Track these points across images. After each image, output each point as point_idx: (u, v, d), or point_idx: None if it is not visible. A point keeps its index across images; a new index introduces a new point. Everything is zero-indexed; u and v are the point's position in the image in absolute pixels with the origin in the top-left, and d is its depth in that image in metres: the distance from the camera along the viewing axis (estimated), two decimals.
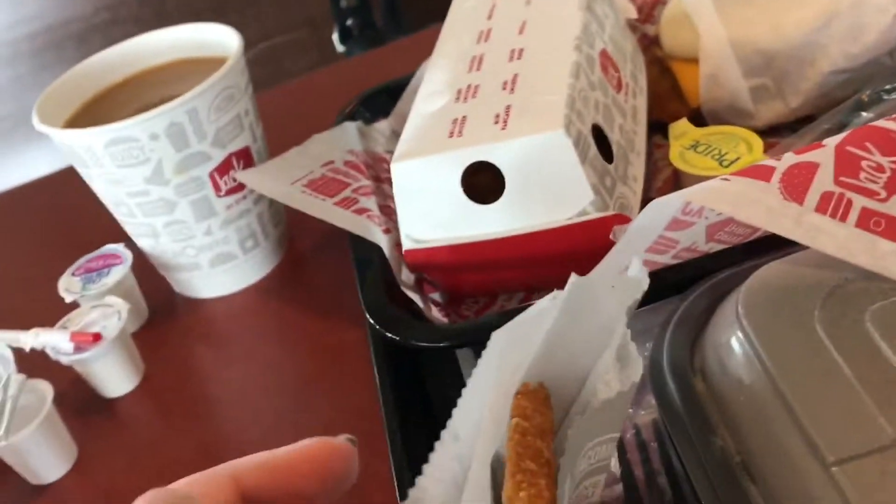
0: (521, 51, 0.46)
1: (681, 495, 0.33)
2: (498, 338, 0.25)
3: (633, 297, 0.27)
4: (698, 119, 0.52)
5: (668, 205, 0.35)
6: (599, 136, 0.43)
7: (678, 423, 0.32)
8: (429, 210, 0.42)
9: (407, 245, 0.43)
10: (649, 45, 0.57)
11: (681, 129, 0.50)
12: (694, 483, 0.30)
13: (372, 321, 0.41)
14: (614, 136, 0.44)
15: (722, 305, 0.34)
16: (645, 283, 0.27)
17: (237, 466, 0.22)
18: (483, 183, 0.42)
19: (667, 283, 0.38)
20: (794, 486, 0.27)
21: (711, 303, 0.35)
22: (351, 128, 0.56)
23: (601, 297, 0.27)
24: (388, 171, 0.52)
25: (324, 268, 0.57)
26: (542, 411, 0.26)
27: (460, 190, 0.41)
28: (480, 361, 0.24)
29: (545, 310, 0.26)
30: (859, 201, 0.33)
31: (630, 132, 0.47)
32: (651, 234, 0.36)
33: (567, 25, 0.46)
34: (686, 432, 0.31)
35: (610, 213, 0.40)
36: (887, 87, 0.46)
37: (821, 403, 0.28)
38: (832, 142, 0.35)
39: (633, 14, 0.57)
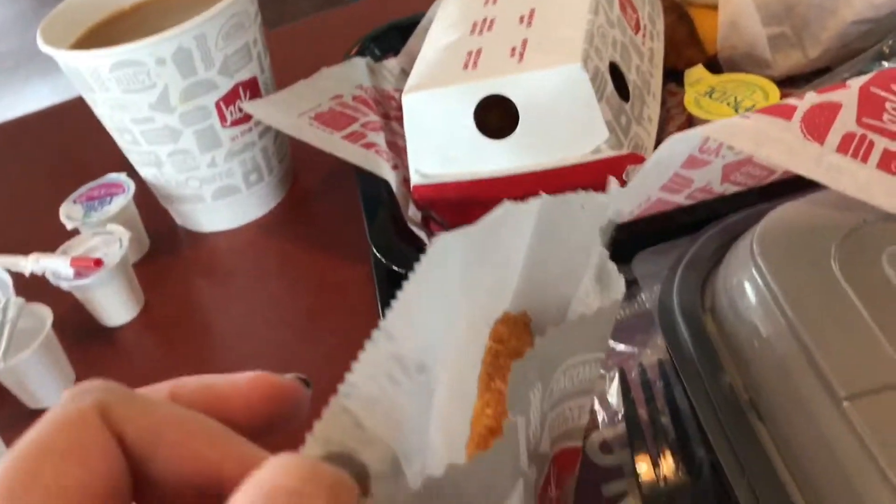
0: None
1: (685, 435, 0.33)
2: (446, 244, 0.24)
3: (605, 217, 0.26)
4: (715, 67, 0.51)
5: (686, 141, 0.34)
6: (616, 74, 0.42)
7: (687, 361, 0.31)
8: (439, 144, 0.41)
9: (416, 180, 0.42)
10: None
11: (696, 75, 0.49)
12: (702, 420, 0.30)
13: (378, 254, 0.41)
14: (631, 76, 0.43)
15: (735, 245, 0.33)
16: (609, 203, 0.27)
17: (177, 382, 0.21)
18: (496, 118, 0.41)
19: (679, 224, 0.38)
20: (804, 422, 0.27)
21: (723, 244, 0.35)
22: (360, 63, 0.55)
23: (576, 218, 0.27)
24: (397, 108, 0.52)
25: (328, 204, 0.56)
26: (520, 336, 0.26)
27: (472, 124, 0.40)
28: (424, 262, 0.23)
29: (498, 219, 0.25)
30: (881, 143, 0.32)
31: (647, 73, 0.46)
32: (666, 170, 0.35)
33: None
34: (695, 370, 0.31)
35: (624, 151, 0.39)
36: None
37: (834, 341, 0.27)
38: (856, 83, 0.34)
39: None
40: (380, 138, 0.48)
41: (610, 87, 0.40)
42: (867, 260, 0.30)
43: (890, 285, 0.29)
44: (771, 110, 0.34)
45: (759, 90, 0.47)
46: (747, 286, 0.31)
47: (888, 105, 0.33)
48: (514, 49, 0.40)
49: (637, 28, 0.47)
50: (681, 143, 0.35)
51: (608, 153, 0.39)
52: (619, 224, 0.37)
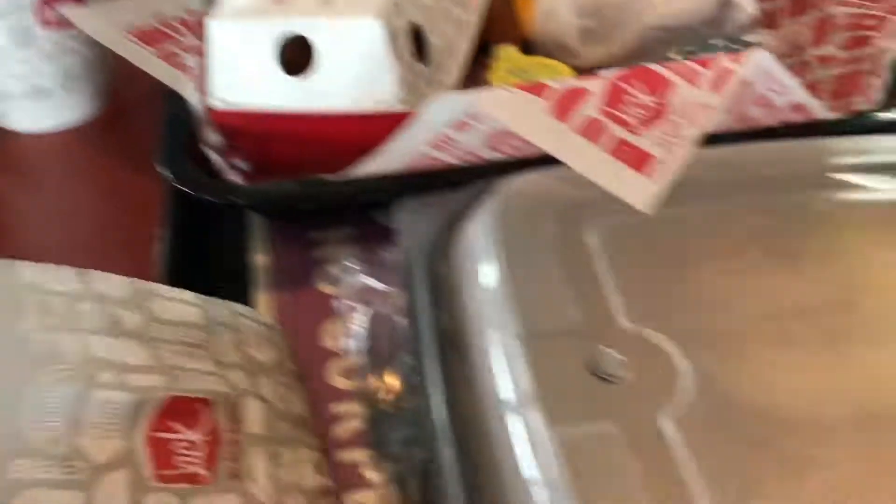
0: None
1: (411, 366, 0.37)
2: None
3: None
4: (529, 49, 0.55)
5: (453, 103, 0.37)
6: (419, 37, 0.45)
7: (414, 299, 0.35)
8: (240, 74, 0.43)
9: (214, 105, 0.44)
10: None
11: (507, 53, 0.52)
12: (414, 353, 0.33)
13: (166, 172, 0.42)
14: (435, 41, 0.46)
15: (475, 204, 0.36)
16: None
17: None
18: (303, 56, 0.43)
19: (442, 181, 0.40)
20: (494, 358, 0.31)
21: (469, 201, 0.38)
22: None
23: None
24: None
25: (145, 122, 0.56)
26: None
27: (273, 59, 0.42)
28: None
29: None
30: (616, 131, 0.36)
31: (453, 41, 0.49)
32: (434, 128, 0.39)
33: None
34: (416, 308, 0.34)
35: (412, 110, 0.42)
36: (691, 48, 0.50)
37: (528, 289, 0.31)
38: (609, 74, 0.38)
39: None
40: (195, 62, 0.48)
41: (408, 47, 0.43)
42: (578, 230, 0.34)
43: (588, 252, 0.33)
44: (531, 87, 0.37)
45: (559, 77, 0.51)
46: (477, 240, 0.34)
47: (628, 98, 0.37)
48: None
49: None
50: (448, 105, 0.38)
51: (397, 108, 0.42)
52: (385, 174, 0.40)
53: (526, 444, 0.27)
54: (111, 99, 0.58)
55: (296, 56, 0.43)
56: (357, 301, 0.40)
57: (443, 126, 0.39)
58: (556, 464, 0.26)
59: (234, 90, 0.43)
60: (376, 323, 0.39)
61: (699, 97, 0.38)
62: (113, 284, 0.35)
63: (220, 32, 0.42)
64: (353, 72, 0.42)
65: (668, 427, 0.27)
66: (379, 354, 0.38)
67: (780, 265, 0.33)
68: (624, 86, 0.37)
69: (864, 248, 0.34)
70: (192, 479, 0.30)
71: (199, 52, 0.49)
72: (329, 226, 0.46)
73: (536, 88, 0.37)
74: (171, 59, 0.48)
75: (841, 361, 0.29)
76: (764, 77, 0.40)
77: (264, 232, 0.46)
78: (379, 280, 0.41)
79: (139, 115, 0.57)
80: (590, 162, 0.35)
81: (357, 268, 0.42)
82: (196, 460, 0.30)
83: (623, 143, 0.36)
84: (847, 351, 0.30)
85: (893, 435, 0.27)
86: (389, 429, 0.36)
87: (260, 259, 0.45)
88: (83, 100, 0.56)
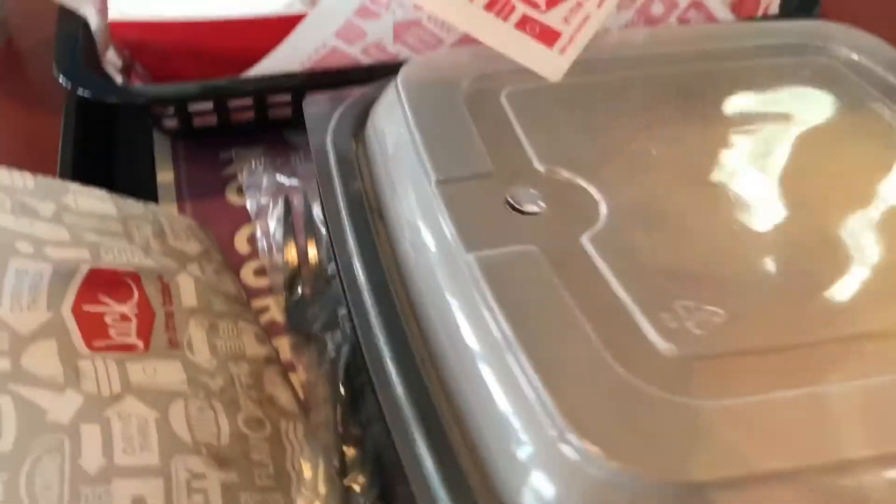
0: None
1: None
2: None
3: None
4: None
5: None
6: None
7: (325, 174, 0.34)
8: None
9: (114, 16, 0.43)
10: None
11: None
12: (329, 220, 0.32)
13: (66, 80, 0.40)
14: None
15: (388, 85, 0.36)
16: None
17: None
18: None
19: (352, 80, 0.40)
20: (411, 205, 0.30)
21: (377, 91, 0.37)
22: None
23: None
24: None
25: (41, 68, 0.55)
26: None
27: None
28: None
29: None
30: (521, 8, 0.37)
31: None
32: (340, 16, 0.38)
33: None
34: (331, 179, 0.33)
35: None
36: None
37: (442, 143, 0.31)
38: None
39: None
40: None
41: None
42: (490, 95, 0.34)
43: (501, 112, 0.33)
44: None
45: None
46: (389, 109, 0.34)
47: None
48: None
49: None
50: None
51: (300, 9, 0.42)
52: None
53: (449, 276, 0.27)
54: (5, 45, 0.56)
55: None
56: (269, 196, 0.40)
57: (349, 14, 0.38)
58: (482, 285, 0.25)
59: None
60: (289, 212, 0.38)
61: None
62: (18, 176, 0.33)
63: None
64: None
65: (589, 247, 0.27)
66: (295, 238, 0.37)
67: (684, 119, 0.34)
68: None
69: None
70: (126, 348, 0.29)
71: None
72: (238, 146, 0.45)
73: None
74: None
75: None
76: None
77: (170, 152, 0.45)
78: (285, 174, 0.41)
79: (35, 61, 0.56)
80: (498, 36, 0.36)
81: (268, 167, 0.41)
82: (128, 332, 0.29)
83: (528, 18, 0.36)
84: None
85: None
86: (309, 313, 0.35)
87: (167, 176, 0.43)
88: None
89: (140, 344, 0.29)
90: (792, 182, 0.31)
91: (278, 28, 0.42)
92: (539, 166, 0.30)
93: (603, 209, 0.29)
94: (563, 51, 0.36)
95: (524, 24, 0.36)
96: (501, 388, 0.24)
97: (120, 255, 0.31)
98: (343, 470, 0.29)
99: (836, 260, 0.27)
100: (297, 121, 0.42)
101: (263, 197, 0.39)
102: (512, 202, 0.29)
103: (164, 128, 0.44)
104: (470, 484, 0.23)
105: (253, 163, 0.41)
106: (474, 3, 0.36)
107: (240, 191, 0.42)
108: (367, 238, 0.31)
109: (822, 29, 0.39)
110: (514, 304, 0.25)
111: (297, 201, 0.39)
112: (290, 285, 0.36)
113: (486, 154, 0.31)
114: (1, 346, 0.27)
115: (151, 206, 0.37)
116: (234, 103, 0.42)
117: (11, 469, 0.24)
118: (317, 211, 0.38)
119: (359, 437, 0.30)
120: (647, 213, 0.29)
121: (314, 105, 0.39)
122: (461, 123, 0.32)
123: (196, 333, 0.31)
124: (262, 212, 0.39)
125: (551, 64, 0.35)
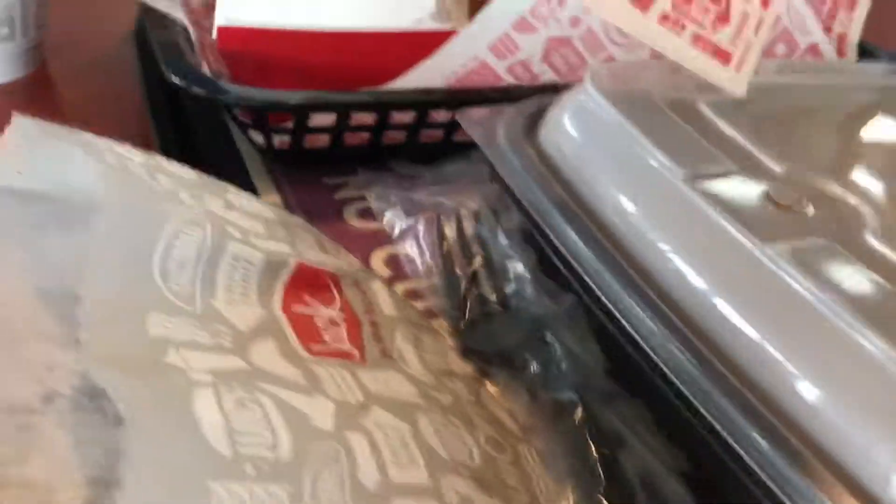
0: None
1: (497, 269, 0.33)
2: None
3: None
4: None
5: None
6: None
7: (519, 178, 0.31)
8: None
9: (222, 22, 0.39)
10: None
11: None
12: (544, 227, 0.29)
13: (178, 77, 0.36)
14: None
15: (568, 93, 0.34)
16: None
17: None
18: None
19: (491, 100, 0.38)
20: (653, 204, 0.27)
21: (542, 105, 0.35)
22: None
23: None
24: None
25: (72, 93, 0.50)
26: None
27: None
28: None
29: None
30: (691, 27, 0.36)
31: None
32: (498, 28, 0.36)
33: None
34: (528, 184, 0.30)
35: (447, 27, 0.40)
36: None
37: (672, 143, 0.29)
38: None
39: None
40: None
41: None
42: (688, 105, 0.32)
43: (708, 118, 0.31)
44: None
45: None
46: (583, 116, 0.32)
47: (695, 1, 0.36)
48: None
49: None
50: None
51: (430, 26, 0.39)
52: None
53: (750, 268, 0.24)
54: (38, 65, 0.51)
55: None
56: (412, 217, 0.36)
57: (507, 27, 0.36)
58: (797, 276, 0.23)
59: (256, 6, 0.39)
60: (441, 231, 0.35)
61: (752, 10, 0.38)
62: (183, 169, 0.29)
63: None
64: None
65: (875, 243, 0.25)
66: (459, 257, 0.34)
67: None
68: None
69: None
70: (344, 356, 0.24)
71: None
72: (345, 173, 0.41)
73: None
74: None
75: None
76: (793, 14, 0.41)
77: (267, 174, 0.41)
78: (435, 194, 0.37)
79: (66, 85, 0.51)
80: (678, 50, 0.34)
81: (399, 188, 0.38)
82: (341, 338, 0.25)
83: (700, 37, 0.35)
84: None
85: None
86: (493, 331, 0.31)
87: (272, 199, 0.39)
88: (15, 54, 0.48)
89: (356, 352, 0.25)
90: None
91: (404, 44, 0.40)
92: (776, 167, 0.29)
93: (865, 209, 0.27)
94: (738, 69, 0.35)
95: (697, 40, 0.35)
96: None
97: (317, 254, 0.27)
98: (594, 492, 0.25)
99: None
100: (409, 148, 0.39)
101: (405, 218, 0.36)
102: (776, 199, 0.26)
103: (270, 144, 0.40)
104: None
105: (381, 185, 0.38)
106: (648, 16, 0.35)
107: (360, 214, 0.38)
108: (594, 241, 0.28)
109: None
110: (843, 290, 0.22)
111: (446, 216, 0.35)
112: (462, 305, 0.32)
113: (721, 154, 0.29)
114: (224, 343, 0.22)
115: (297, 217, 0.33)
116: (360, 119, 0.38)
117: (295, 481, 0.19)
118: (477, 228, 0.35)
119: (608, 455, 0.26)
120: None
121: (468, 120, 0.36)
122: (677, 126, 0.30)
123: (404, 345, 0.27)
124: (406, 233, 0.35)
125: (733, 80, 0.34)
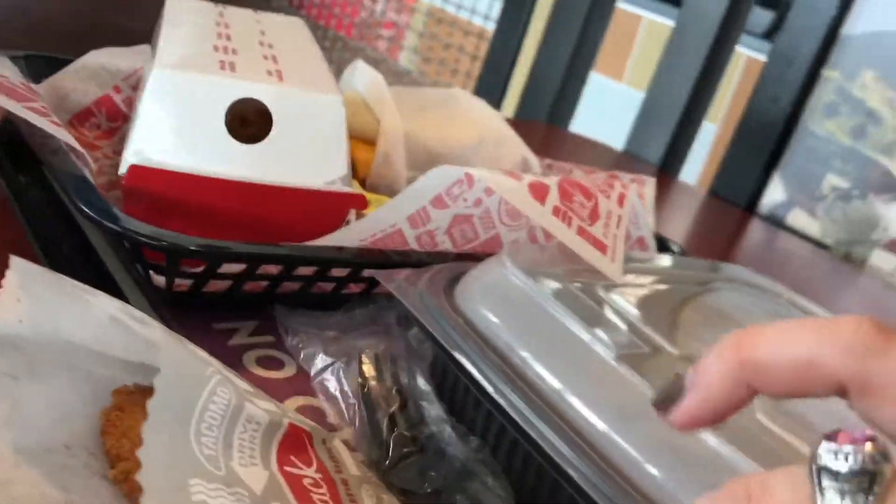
0: (269, 44, 0.47)
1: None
2: None
3: None
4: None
5: (448, 174, 0.39)
6: None
7: (447, 336, 0.33)
8: (180, 130, 0.39)
9: (133, 160, 0.39)
10: None
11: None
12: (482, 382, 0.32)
13: (88, 210, 0.35)
14: None
15: (487, 262, 0.37)
16: None
17: None
18: (238, 127, 0.41)
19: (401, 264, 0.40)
20: (579, 377, 0.31)
21: (455, 273, 0.39)
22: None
23: None
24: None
25: None
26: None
27: (222, 119, 0.39)
28: None
29: None
30: (576, 221, 0.41)
31: None
32: (419, 202, 0.39)
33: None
34: (453, 340, 0.33)
35: (355, 191, 0.42)
36: None
37: (593, 321, 0.33)
38: (554, 178, 0.43)
39: None
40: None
41: None
42: (588, 287, 0.37)
43: (609, 300, 0.36)
44: (508, 173, 0.41)
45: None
46: (502, 286, 0.35)
47: (574, 199, 0.42)
48: (269, 71, 0.42)
49: None
50: (445, 173, 0.40)
51: (340, 188, 0.42)
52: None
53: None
54: None
55: (234, 124, 0.41)
56: (329, 356, 0.37)
57: (426, 201, 0.40)
58: None
59: (167, 147, 0.39)
60: (361, 372, 0.36)
61: (613, 208, 0.45)
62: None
63: (170, 82, 0.38)
64: (305, 146, 0.41)
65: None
66: (379, 399, 0.35)
67: None
68: (568, 188, 0.43)
69: None
70: None
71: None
72: (234, 319, 0.41)
73: (513, 175, 0.41)
74: (42, 113, 0.41)
75: None
76: (631, 211, 0.48)
77: (154, 315, 0.40)
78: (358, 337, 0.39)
79: None
80: (568, 238, 0.40)
81: (314, 336, 0.38)
82: (326, 499, 0.26)
83: (583, 229, 0.41)
84: None
85: None
86: (417, 472, 0.32)
87: None
88: None
89: None
90: None
91: (313, 202, 0.41)
92: (672, 349, 0.34)
93: None
94: (613, 259, 0.41)
95: (582, 232, 0.41)
96: None
97: (294, 414, 0.28)
98: None
99: None
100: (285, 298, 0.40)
101: (324, 357, 0.37)
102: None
103: (170, 287, 0.39)
104: None
105: (296, 323, 0.38)
106: (545, 206, 0.40)
107: (261, 362, 0.38)
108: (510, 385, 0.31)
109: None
110: None
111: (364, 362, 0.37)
112: (386, 445, 0.33)
113: (633, 333, 0.34)
114: None
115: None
116: (266, 269, 0.39)
117: None
118: (394, 371, 0.36)
119: None
120: None
121: (390, 279, 0.38)
122: (575, 307, 0.35)
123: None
124: (325, 371, 0.36)
125: (610, 268, 0.40)
